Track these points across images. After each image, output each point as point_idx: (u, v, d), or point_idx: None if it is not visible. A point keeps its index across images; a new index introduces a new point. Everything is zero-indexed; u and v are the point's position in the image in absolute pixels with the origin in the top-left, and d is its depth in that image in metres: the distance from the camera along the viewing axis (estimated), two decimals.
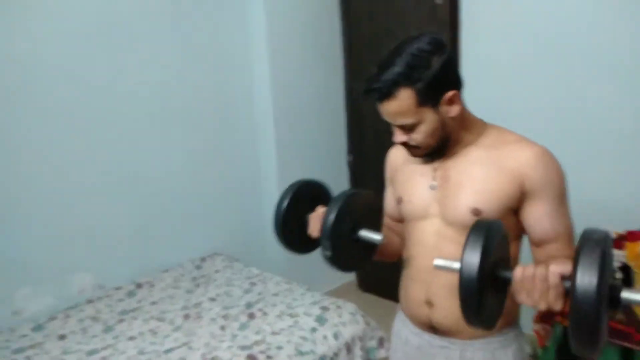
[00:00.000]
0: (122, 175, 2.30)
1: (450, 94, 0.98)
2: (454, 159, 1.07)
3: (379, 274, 3.05)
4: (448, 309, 1.07)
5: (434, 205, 1.08)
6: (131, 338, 1.85)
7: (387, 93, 0.97)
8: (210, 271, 2.42)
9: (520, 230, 1.05)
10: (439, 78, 0.97)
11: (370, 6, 2.84)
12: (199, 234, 2.62)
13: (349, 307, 1.98)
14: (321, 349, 1.76)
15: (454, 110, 1.00)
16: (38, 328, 1.94)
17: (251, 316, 1.96)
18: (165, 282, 2.32)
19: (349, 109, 3.10)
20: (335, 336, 1.82)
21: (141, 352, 1.74)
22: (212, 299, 2.13)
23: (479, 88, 2.31)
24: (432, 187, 1.09)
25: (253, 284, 2.26)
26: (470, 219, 0.98)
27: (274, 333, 1.82)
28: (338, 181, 3.08)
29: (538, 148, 1.00)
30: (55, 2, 2.03)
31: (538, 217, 0.99)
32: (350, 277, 3.24)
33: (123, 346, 1.79)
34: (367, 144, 3.04)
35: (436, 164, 1.09)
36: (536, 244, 1.02)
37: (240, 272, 2.39)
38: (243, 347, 1.72)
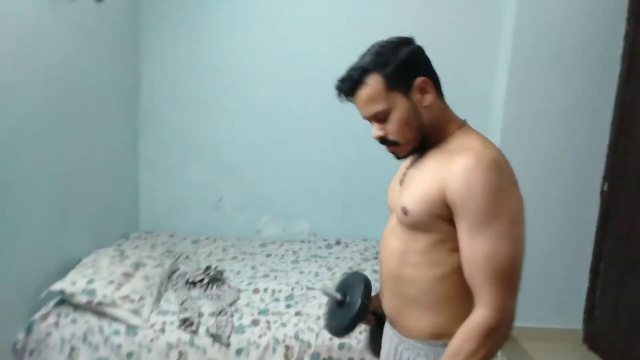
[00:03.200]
0: (343, 155, 2.82)
1: (420, 80, 0.96)
2: (421, 159, 1.03)
3: (614, 329, 2.49)
4: (387, 300, 1.08)
5: (397, 200, 1.07)
6: (301, 272, 2.37)
7: (356, 80, 0.96)
8: None
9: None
10: (408, 63, 0.96)
11: None
12: None
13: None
14: None
15: (427, 99, 0.97)
16: (262, 245, 2.73)
17: None
18: (357, 247, 2.72)
19: (616, 124, 2.54)
20: None
21: (296, 282, 2.23)
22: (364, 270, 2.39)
23: None
24: (400, 183, 1.08)
25: None
26: (402, 217, 1.00)
27: None
28: (584, 214, 2.62)
29: (472, 159, 0.87)
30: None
31: (459, 233, 0.88)
32: (577, 322, 2.70)
33: (292, 274, 2.33)
34: (631, 170, 2.43)
35: (412, 162, 1.08)
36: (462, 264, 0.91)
37: None
38: None
